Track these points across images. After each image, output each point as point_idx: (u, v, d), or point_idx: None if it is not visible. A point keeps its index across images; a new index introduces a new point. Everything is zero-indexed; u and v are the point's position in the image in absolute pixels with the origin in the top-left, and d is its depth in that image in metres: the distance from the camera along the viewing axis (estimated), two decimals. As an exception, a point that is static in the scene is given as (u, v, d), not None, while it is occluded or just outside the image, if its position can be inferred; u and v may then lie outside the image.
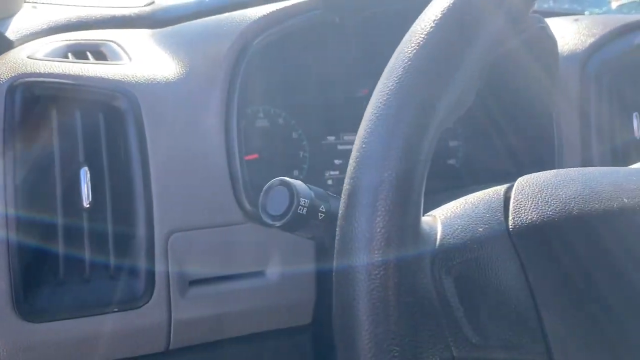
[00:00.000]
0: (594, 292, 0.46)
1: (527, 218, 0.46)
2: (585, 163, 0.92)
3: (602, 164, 0.91)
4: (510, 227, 0.46)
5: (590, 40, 0.93)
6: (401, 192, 0.39)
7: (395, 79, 0.42)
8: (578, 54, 0.93)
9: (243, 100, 0.86)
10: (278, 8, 0.72)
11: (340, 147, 0.94)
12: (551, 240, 0.46)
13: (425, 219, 0.44)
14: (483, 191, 0.49)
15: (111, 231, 0.65)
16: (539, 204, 0.47)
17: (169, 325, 0.67)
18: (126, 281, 0.66)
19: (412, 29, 0.45)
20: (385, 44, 0.44)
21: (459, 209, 0.46)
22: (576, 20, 1.01)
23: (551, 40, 0.86)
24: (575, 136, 0.92)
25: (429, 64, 0.42)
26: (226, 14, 0.80)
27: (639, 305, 0.47)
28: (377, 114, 0.41)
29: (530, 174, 0.51)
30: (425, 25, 0.43)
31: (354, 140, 0.43)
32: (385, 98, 0.42)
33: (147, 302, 0.66)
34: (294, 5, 0.72)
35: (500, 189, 0.49)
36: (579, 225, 0.47)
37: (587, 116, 0.91)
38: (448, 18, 0.43)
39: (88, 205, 0.64)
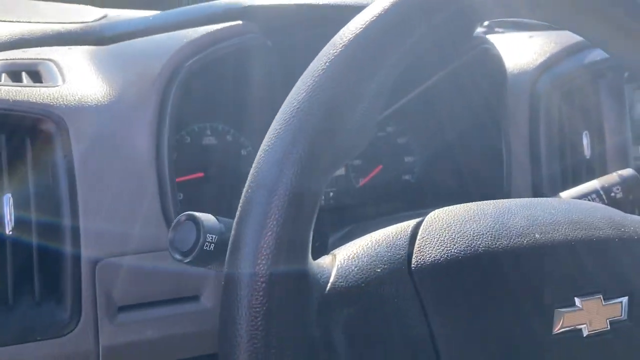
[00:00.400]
0: (497, 333, 0.46)
1: (430, 256, 0.45)
2: (535, 183, 0.91)
3: (552, 183, 0.91)
4: (413, 265, 0.45)
5: (541, 59, 0.93)
6: (283, 239, 0.39)
7: (290, 114, 0.41)
8: (528, 72, 0.92)
9: (189, 117, 0.85)
10: (211, 31, 0.71)
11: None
12: (454, 279, 0.45)
13: (321, 261, 0.43)
14: (391, 227, 0.48)
15: (36, 257, 0.64)
16: (445, 240, 0.46)
17: (97, 353, 0.66)
18: (52, 308, 0.65)
19: (312, 63, 0.44)
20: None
21: (359, 248, 0.45)
22: (531, 37, 1.01)
23: (497, 60, 0.85)
24: (525, 155, 0.91)
25: (322, 102, 0.41)
26: (167, 34, 0.79)
27: (544, 346, 0.46)
28: (267, 149, 0.41)
29: (443, 208, 0.51)
30: (320, 63, 0.43)
31: None
32: (275, 133, 0.41)
33: (74, 329, 0.65)
34: (226, 29, 0.72)
35: (409, 224, 0.48)
36: (484, 264, 0.46)
37: (537, 135, 0.90)
38: (343, 55, 0.42)
39: (11, 232, 0.63)
